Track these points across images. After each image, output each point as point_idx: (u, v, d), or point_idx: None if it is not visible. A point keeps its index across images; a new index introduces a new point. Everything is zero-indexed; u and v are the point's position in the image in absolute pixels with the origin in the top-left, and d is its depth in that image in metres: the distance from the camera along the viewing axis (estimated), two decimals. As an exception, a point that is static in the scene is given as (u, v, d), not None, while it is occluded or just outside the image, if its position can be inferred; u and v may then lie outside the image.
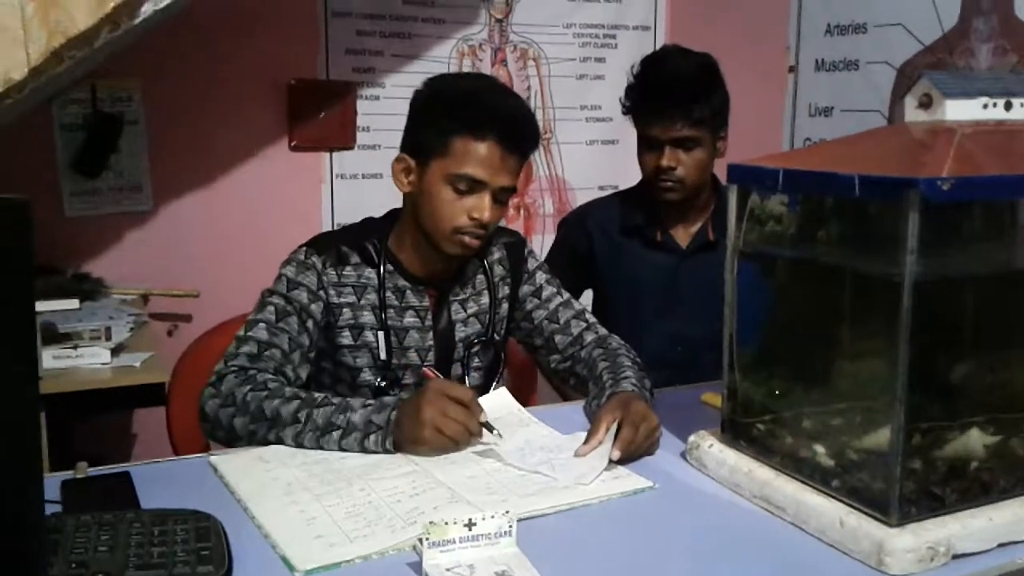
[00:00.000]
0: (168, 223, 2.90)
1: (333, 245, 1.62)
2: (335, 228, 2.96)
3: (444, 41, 3.21)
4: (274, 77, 2.97)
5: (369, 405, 1.39)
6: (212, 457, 1.36)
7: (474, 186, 1.53)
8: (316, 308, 1.57)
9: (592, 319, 1.75)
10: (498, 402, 1.55)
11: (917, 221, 1.00)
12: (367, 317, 1.61)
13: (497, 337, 1.72)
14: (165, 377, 2.03)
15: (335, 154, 3.10)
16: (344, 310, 1.60)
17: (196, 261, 2.91)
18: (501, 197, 1.56)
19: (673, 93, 1.95)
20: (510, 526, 1.05)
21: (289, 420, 1.38)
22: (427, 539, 1.02)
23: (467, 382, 1.66)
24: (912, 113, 1.21)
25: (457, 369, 1.68)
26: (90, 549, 1.00)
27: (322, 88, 3.02)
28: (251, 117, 2.96)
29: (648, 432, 1.37)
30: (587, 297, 2.25)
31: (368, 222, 1.71)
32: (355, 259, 1.62)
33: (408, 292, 1.64)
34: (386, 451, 1.36)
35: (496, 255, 1.73)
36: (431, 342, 1.65)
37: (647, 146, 2.01)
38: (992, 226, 1.16)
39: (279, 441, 1.39)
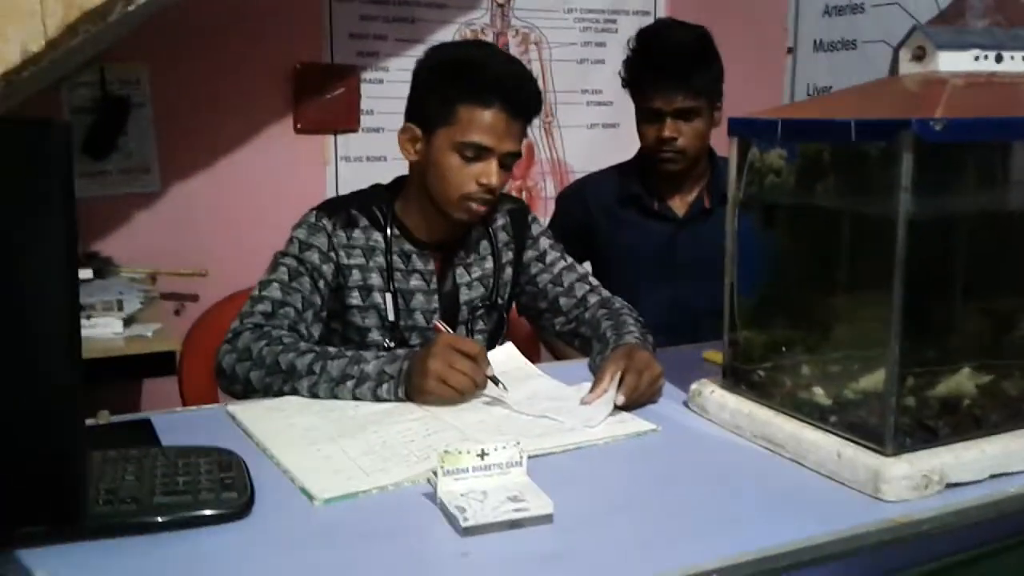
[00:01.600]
0: (175, 204, 2.94)
1: (343, 208, 1.67)
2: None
3: (447, 25, 3.25)
4: (280, 61, 3.00)
5: (382, 356, 1.44)
6: (230, 406, 1.40)
7: (481, 153, 1.56)
8: (327, 269, 1.62)
9: (595, 282, 1.80)
10: (506, 356, 1.59)
11: (911, 161, 1.05)
12: (375, 279, 1.65)
13: (501, 301, 1.76)
14: (177, 346, 2.08)
15: (339, 136, 3.14)
16: (353, 271, 1.64)
17: (203, 241, 2.94)
18: (507, 162, 1.60)
19: (674, 65, 1.99)
20: (521, 456, 1.09)
21: (304, 372, 1.43)
22: (442, 468, 1.06)
23: None
24: (906, 66, 1.25)
25: (461, 332, 1.72)
26: (118, 479, 1.04)
27: (327, 72, 3.06)
28: (257, 100, 3.00)
29: (652, 379, 1.42)
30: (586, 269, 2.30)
31: (376, 188, 1.75)
32: (363, 222, 1.66)
33: (414, 256, 1.68)
34: (398, 399, 1.40)
35: (500, 221, 1.77)
36: (436, 305, 1.69)
37: (647, 118, 2.04)
38: (983, 170, 1.20)
39: (294, 392, 1.44)
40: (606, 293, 1.78)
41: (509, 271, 1.78)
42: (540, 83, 3.37)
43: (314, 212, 1.66)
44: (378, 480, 1.11)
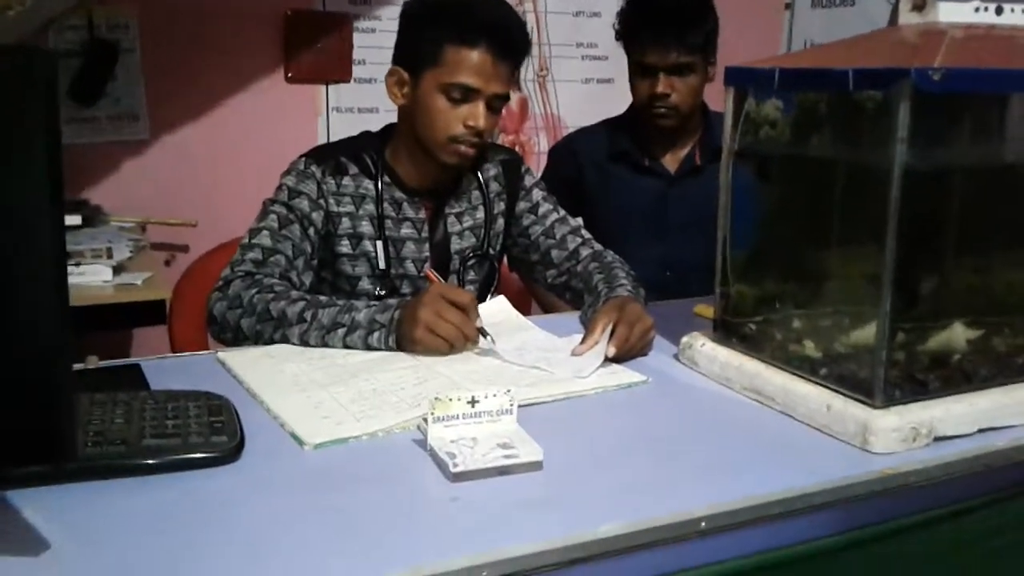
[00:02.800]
0: (165, 153, 2.91)
1: (332, 156, 1.65)
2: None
3: (441, -26, 3.20)
4: (271, 6, 2.96)
5: (373, 305, 1.43)
6: (220, 353, 1.40)
7: (468, 94, 1.55)
8: (317, 216, 1.61)
9: (587, 235, 1.79)
10: (497, 308, 1.59)
11: (908, 110, 1.03)
12: (365, 227, 1.64)
13: (492, 251, 1.75)
14: (167, 294, 2.06)
15: (331, 87, 3.10)
16: (343, 219, 1.63)
17: (193, 191, 2.92)
18: (495, 104, 1.59)
19: (670, 20, 1.96)
20: (511, 404, 1.09)
21: (295, 320, 1.42)
22: (432, 414, 1.06)
23: None
24: (906, 16, 1.24)
25: (453, 281, 1.71)
26: (107, 421, 1.03)
27: (319, 19, 3.01)
28: (248, 47, 2.96)
29: (642, 332, 1.41)
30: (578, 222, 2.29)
31: (365, 135, 1.73)
32: (353, 170, 1.65)
33: (404, 204, 1.67)
34: (388, 348, 1.40)
35: (492, 171, 1.76)
36: (427, 253, 1.68)
37: (641, 72, 2.02)
38: (980, 122, 1.19)
39: (284, 340, 1.43)
40: (598, 246, 1.77)
41: (501, 222, 1.77)
42: (535, 36, 3.39)
43: (303, 159, 1.65)
44: (368, 426, 1.11)
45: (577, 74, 3.48)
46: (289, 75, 3.02)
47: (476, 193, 1.74)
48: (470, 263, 1.73)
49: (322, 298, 1.47)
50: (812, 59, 1.23)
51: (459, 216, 1.72)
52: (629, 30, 2.04)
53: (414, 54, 1.59)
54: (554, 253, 1.75)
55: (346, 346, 1.41)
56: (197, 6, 2.86)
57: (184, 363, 1.41)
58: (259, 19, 2.95)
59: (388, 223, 1.65)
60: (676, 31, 1.95)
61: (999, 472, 1.14)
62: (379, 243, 1.64)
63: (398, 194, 1.67)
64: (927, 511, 1.11)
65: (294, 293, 1.47)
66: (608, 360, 1.36)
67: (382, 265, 1.64)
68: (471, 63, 1.54)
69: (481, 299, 1.72)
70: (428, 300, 1.38)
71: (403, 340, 1.39)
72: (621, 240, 2.10)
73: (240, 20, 2.92)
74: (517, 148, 3.46)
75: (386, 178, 1.66)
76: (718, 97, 2.13)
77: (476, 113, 1.56)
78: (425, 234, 1.68)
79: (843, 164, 1.21)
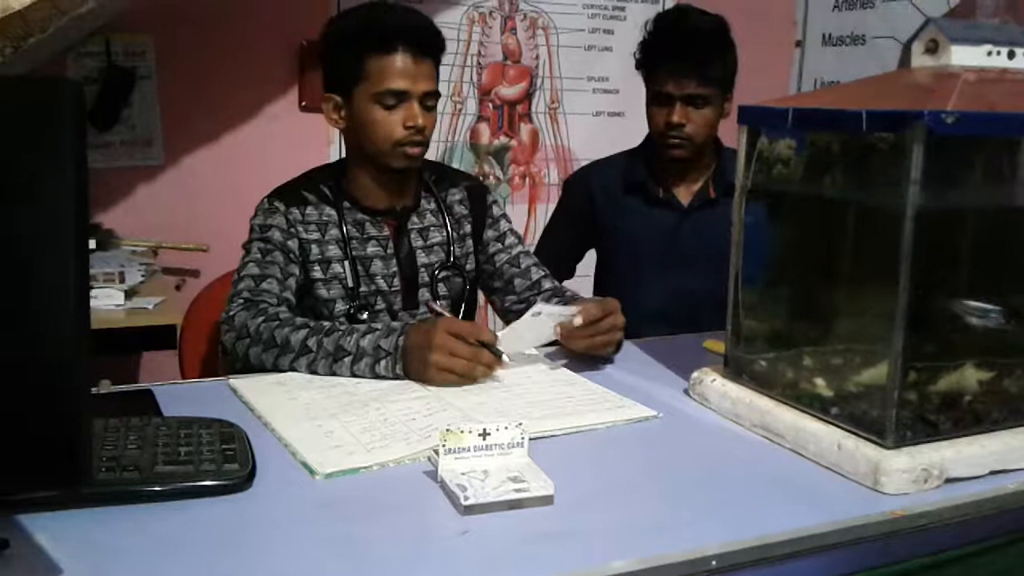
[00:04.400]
0: (179, 178, 2.94)
1: (291, 190, 1.72)
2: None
3: (455, 7, 3.24)
4: (286, 37, 2.99)
5: (376, 330, 1.46)
6: (232, 380, 1.41)
7: (399, 97, 1.62)
8: (292, 244, 1.66)
9: (547, 271, 1.84)
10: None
11: (922, 153, 1.04)
12: (333, 250, 1.69)
13: (469, 266, 1.80)
14: (177, 319, 2.07)
15: (344, 116, 3.13)
16: (312, 246, 1.68)
17: (206, 216, 2.94)
18: (427, 103, 1.65)
19: (690, 49, 1.98)
20: (523, 437, 1.09)
21: (300, 349, 1.45)
22: (443, 446, 1.06)
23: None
24: (919, 59, 1.25)
25: (424, 295, 1.74)
26: (120, 447, 1.04)
27: (334, 50, 3.04)
28: (262, 76, 2.99)
29: (613, 324, 1.52)
30: (590, 257, 2.30)
31: (319, 168, 1.80)
32: (313, 199, 1.70)
33: (367, 224, 1.72)
34: (396, 377, 1.41)
35: (457, 196, 1.82)
36: (395, 269, 1.72)
37: (658, 101, 2.04)
38: (993, 165, 1.20)
39: (293, 369, 1.45)
40: (558, 284, 1.83)
41: (470, 243, 1.82)
42: (547, 69, 3.42)
43: (265, 199, 1.71)
44: (378, 456, 1.12)
45: (588, 107, 3.51)
46: (303, 103, 3.05)
47: (436, 211, 1.79)
48: (440, 277, 1.76)
49: (324, 324, 1.50)
50: (825, 99, 1.24)
51: (422, 232, 1.76)
52: (650, 59, 2.07)
53: (341, 76, 1.65)
54: (517, 281, 1.80)
55: (354, 374, 1.43)
56: (214, 35, 2.89)
57: (196, 389, 1.42)
58: (274, 49, 2.99)
59: (354, 243, 1.70)
60: (695, 62, 1.97)
61: (1009, 514, 1.13)
62: (346, 263, 1.68)
63: (360, 215, 1.72)
64: (937, 553, 1.10)
65: (298, 320, 1.51)
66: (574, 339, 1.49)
67: (351, 283, 1.68)
68: (394, 68, 1.61)
69: (455, 313, 1.77)
70: (439, 342, 1.40)
71: (415, 377, 1.41)
72: (634, 271, 2.11)
73: (256, 50, 2.96)
74: (527, 179, 3.48)
75: (346, 203, 1.71)
76: (731, 132, 2.16)
77: (413, 113, 1.62)
78: (391, 251, 1.72)
79: (855, 204, 1.22)
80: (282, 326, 1.48)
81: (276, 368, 1.46)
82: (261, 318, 1.50)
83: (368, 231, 1.71)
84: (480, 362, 1.41)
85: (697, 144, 2.03)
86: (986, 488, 1.11)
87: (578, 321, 1.47)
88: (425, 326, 1.44)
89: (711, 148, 2.11)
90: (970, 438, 1.15)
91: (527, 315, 1.47)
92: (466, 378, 1.40)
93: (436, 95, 1.66)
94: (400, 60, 1.61)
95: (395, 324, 1.48)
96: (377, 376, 1.42)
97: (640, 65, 2.09)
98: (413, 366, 1.41)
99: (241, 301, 1.56)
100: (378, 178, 1.70)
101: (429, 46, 1.65)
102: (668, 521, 1.01)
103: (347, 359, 1.43)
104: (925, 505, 1.06)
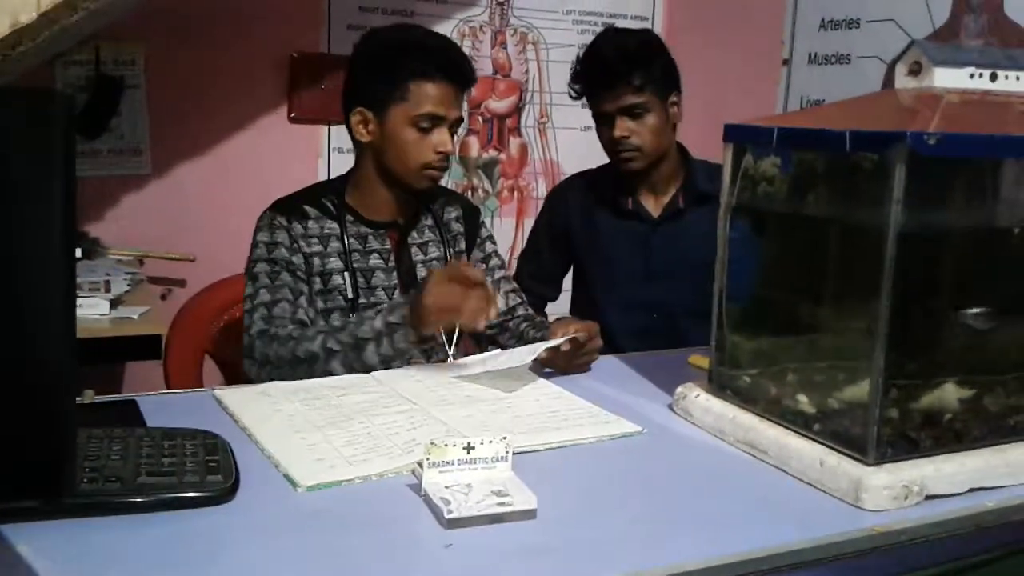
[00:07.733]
0: (166, 188, 2.93)
1: (293, 204, 1.74)
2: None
3: (445, 21, 3.25)
4: (276, 49, 3.00)
5: (382, 309, 1.52)
6: (216, 391, 1.40)
7: (435, 122, 1.67)
8: (298, 260, 1.68)
9: (523, 298, 1.88)
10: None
11: (904, 173, 1.05)
12: (334, 263, 1.71)
13: None
14: (163, 330, 2.07)
15: (333, 128, 3.14)
16: (314, 259, 1.70)
17: (193, 227, 2.94)
18: (455, 129, 1.73)
19: (612, 64, 2.02)
20: (507, 451, 1.10)
21: (325, 354, 1.51)
22: (427, 459, 1.06)
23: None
24: (902, 80, 1.26)
25: None
26: (103, 457, 1.04)
27: (323, 62, 3.06)
28: (252, 87, 3.00)
29: (588, 337, 1.58)
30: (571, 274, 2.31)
31: (320, 183, 1.86)
32: (315, 213, 1.73)
33: (369, 237, 1.75)
34: (411, 344, 1.50)
35: (454, 214, 1.86)
36: (396, 281, 1.75)
37: (601, 122, 2.08)
38: (974, 186, 1.21)
39: (330, 373, 1.51)
40: (533, 312, 1.88)
41: (464, 259, 1.85)
42: (536, 83, 3.44)
43: (267, 213, 1.73)
44: (361, 470, 1.12)
45: (576, 122, 3.52)
46: (292, 115, 3.06)
47: (433, 227, 1.82)
48: None
49: (334, 323, 1.56)
50: (810, 119, 1.26)
51: (422, 247, 1.80)
52: (582, 85, 2.11)
53: (377, 93, 1.68)
54: None
55: (381, 359, 1.50)
56: (203, 45, 2.89)
57: (180, 400, 1.42)
58: (264, 60, 2.99)
59: (355, 255, 1.73)
60: (620, 73, 2.00)
61: (989, 532, 1.14)
62: (347, 274, 1.70)
63: (362, 228, 1.75)
64: (917, 570, 1.11)
65: (309, 331, 1.55)
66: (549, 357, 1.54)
67: (351, 294, 1.70)
68: (434, 94, 1.67)
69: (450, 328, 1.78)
70: (432, 288, 1.47)
71: (424, 330, 1.49)
72: (608, 284, 2.13)
73: (245, 61, 2.96)
74: (516, 193, 3.49)
75: (349, 216, 1.74)
76: (696, 143, 2.18)
77: (444, 139, 1.68)
78: (392, 263, 1.75)
79: (839, 223, 1.23)
80: (298, 342, 1.53)
81: (312, 378, 1.51)
82: (276, 343, 1.55)
83: (371, 244, 1.74)
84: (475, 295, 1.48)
85: (649, 152, 2.04)
86: (966, 505, 1.12)
87: (566, 347, 1.52)
88: (424, 283, 1.50)
89: (676, 159, 2.13)
90: (950, 455, 1.16)
91: (504, 354, 1.55)
92: (465, 316, 1.48)
93: (462, 121, 1.73)
94: (440, 88, 1.67)
95: (399, 298, 1.56)
96: (397, 350, 1.50)
97: (578, 95, 2.12)
98: (420, 322, 1.47)
99: (257, 332, 1.59)
100: (388, 194, 1.74)
101: (465, 77, 1.72)
102: (650, 536, 1.02)
103: (370, 346, 1.50)
104: (905, 522, 1.07)
